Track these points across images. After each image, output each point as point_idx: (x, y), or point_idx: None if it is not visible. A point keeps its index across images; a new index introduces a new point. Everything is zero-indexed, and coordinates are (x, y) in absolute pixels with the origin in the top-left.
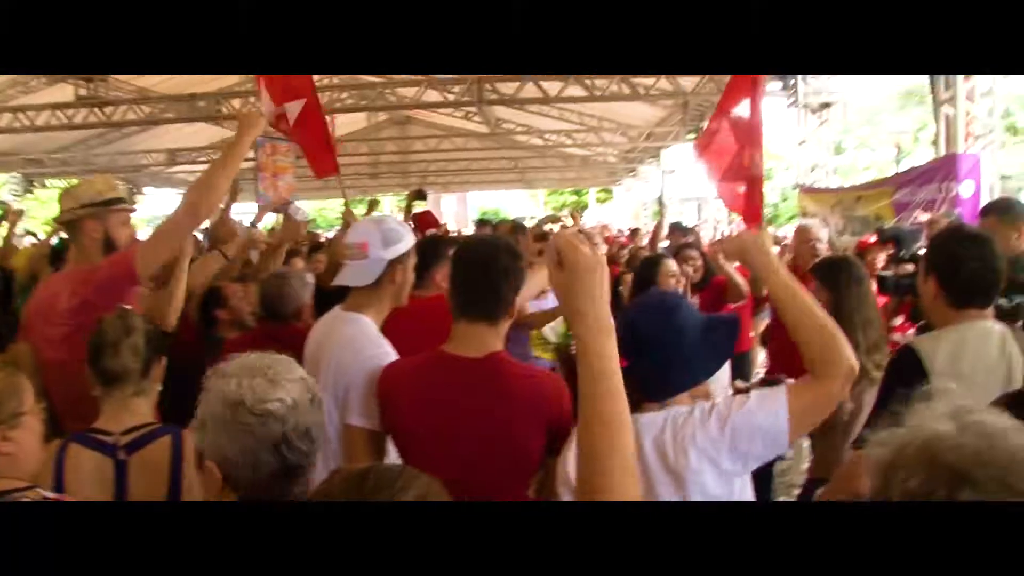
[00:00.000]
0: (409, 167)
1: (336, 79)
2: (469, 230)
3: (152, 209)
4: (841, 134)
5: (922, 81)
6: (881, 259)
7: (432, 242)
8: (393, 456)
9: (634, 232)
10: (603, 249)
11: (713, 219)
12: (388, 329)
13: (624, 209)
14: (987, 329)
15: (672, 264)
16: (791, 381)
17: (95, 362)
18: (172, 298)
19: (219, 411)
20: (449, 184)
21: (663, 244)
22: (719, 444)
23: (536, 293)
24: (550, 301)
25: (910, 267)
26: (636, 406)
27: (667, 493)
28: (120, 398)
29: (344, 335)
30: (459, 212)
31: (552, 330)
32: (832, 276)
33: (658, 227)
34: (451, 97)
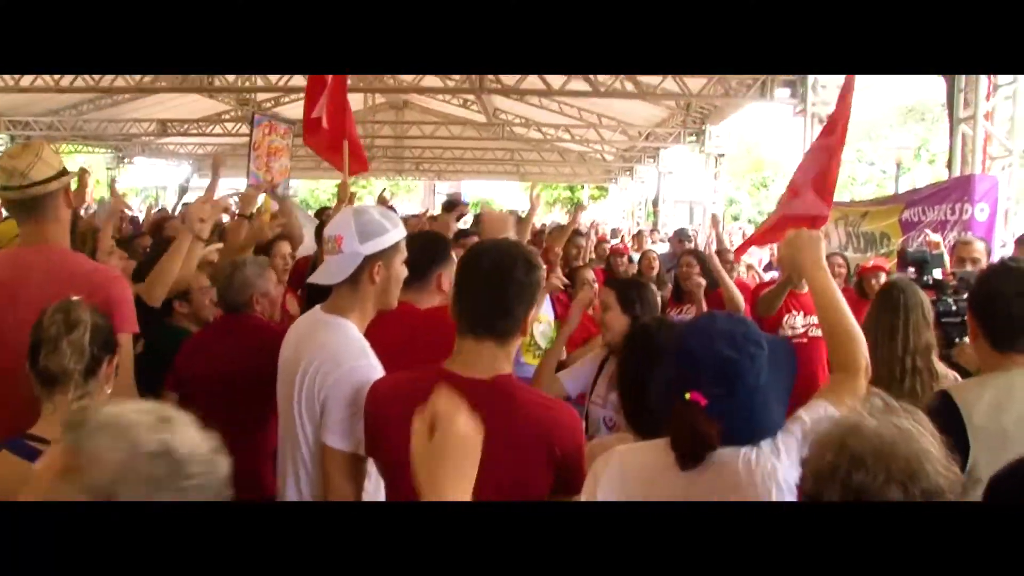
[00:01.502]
0: (403, 152)
1: None
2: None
3: (142, 179)
4: None
5: (923, 98)
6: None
7: (435, 239)
8: (374, 481)
9: (637, 236)
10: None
11: (705, 223)
12: (373, 336)
13: (617, 208)
14: None
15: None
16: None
17: (33, 361)
18: (162, 274)
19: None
20: (443, 172)
21: (663, 249)
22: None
23: None
24: (544, 308)
25: (931, 294)
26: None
27: None
28: (62, 402)
29: (323, 341)
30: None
31: (543, 335)
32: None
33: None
34: (451, 84)
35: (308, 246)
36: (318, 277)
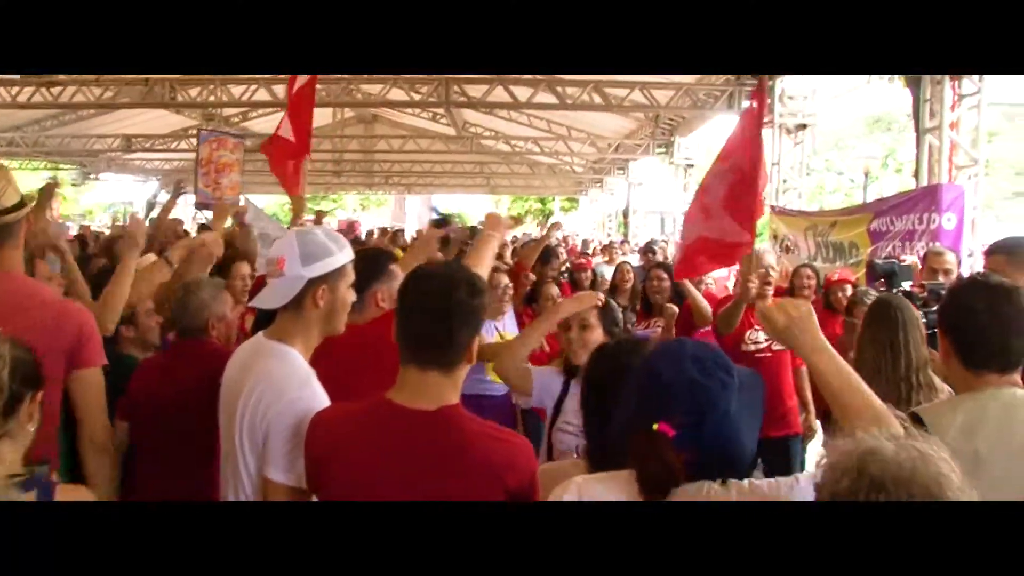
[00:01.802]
0: (373, 166)
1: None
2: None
3: (110, 195)
4: (809, 155)
5: (889, 108)
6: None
7: (372, 256)
8: None
9: (607, 248)
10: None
11: (676, 234)
12: (318, 362)
13: (588, 219)
14: (1015, 399)
15: None
16: None
17: None
18: (112, 299)
19: None
20: (413, 186)
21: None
22: None
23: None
24: (508, 323)
25: None
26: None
27: None
28: None
29: (265, 370)
30: (423, 214)
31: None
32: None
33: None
34: (417, 97)
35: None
36: (259, 301)
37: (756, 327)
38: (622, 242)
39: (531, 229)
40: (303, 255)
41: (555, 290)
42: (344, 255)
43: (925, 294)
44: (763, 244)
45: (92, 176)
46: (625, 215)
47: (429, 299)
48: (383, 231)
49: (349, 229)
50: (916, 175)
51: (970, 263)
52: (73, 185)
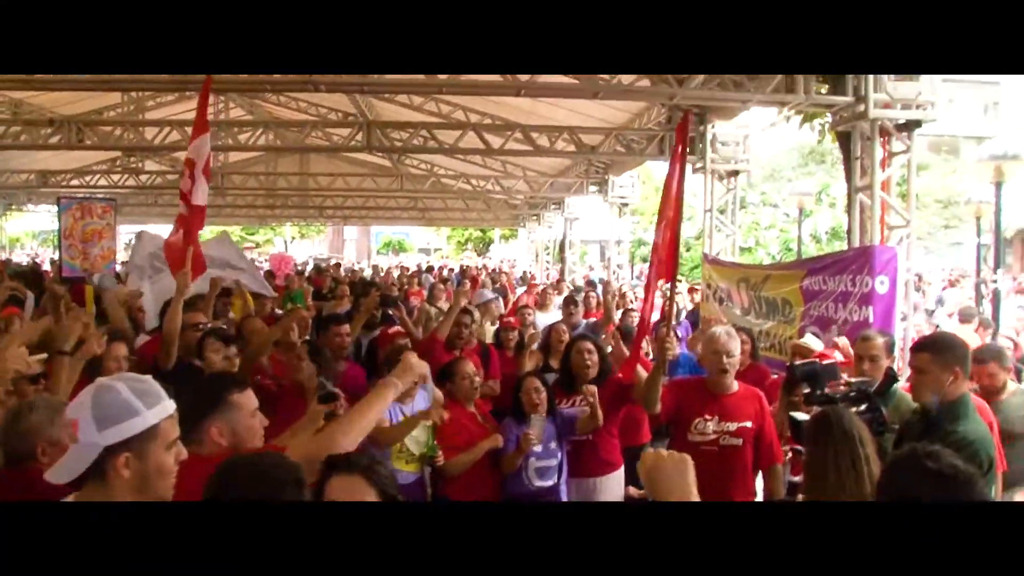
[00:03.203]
0: (308, 199)
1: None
2: (373, 261)
3: (38, 223)
4: (744, 189)
5: (826, 143)
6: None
7: (207, 386)
8: None
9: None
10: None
11: (615, 264)
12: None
13: (527, 249)
14: None
15: None
16: None
17: None
18: None
19: None
20: (349, 217)
21: (555, 316)
22: None
23: (377, 418)
24: (419, 402)
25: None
26: None
27: None
28: None
29: None
30: (361, 243)
31: (415, 440)
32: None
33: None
34: (338, 140)
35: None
36: (51, 475)
37: (706, 416)
38: (558, 280)
39: (470, 256)
40: (98, 418)
41: (470, 367)
42: (155, 413)
43: (853, 393)
44: (721, 328)
45: (13, 207)
46: (561, 249)
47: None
48: (298, 275)
49: (278, 266)
50: (848, 233)
51: (903, 327)
52: None
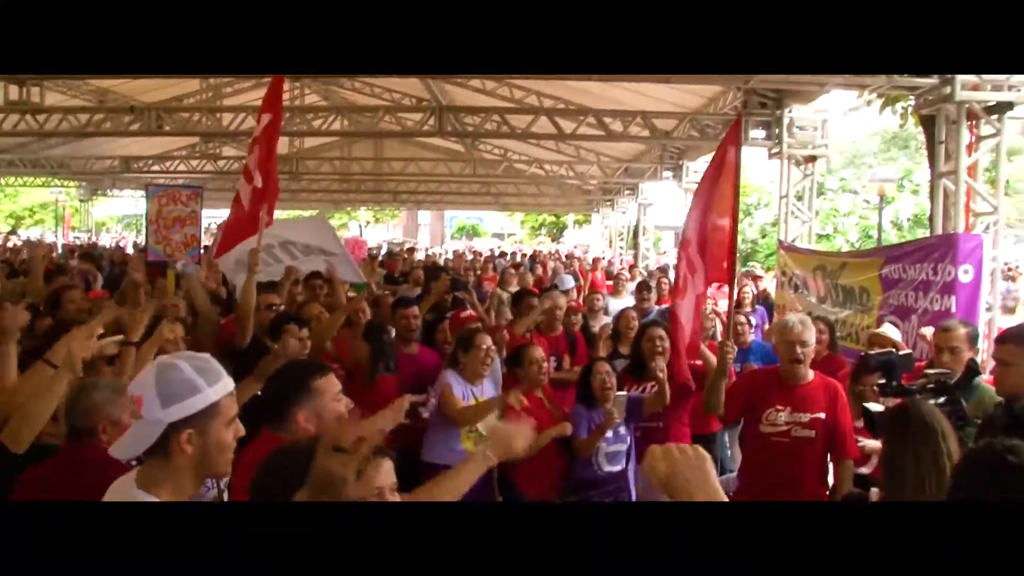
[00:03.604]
0: (382, 184)
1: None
2: (448, 245)
3: (121, 207)
4: (823, 175)
5: (907, 126)
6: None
7: (291, 372)
8: None
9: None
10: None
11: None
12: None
13: (600, 234)
14: None
15: None
16: None
17: None
18: (30, 417)
19: None
20: (423, 202)
21: (628, 302)
22: None
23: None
24: (487, 389)
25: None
26: None
27: None
28: None
29: None
30: (435, 227)
31: (486, 425)
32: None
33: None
34: (411, 125)
35: None
36: (115, 451)
37: (778, 407)
38: (631, 266)
39: (544, 241)
40: (162, 395)
41: (539, 352)
42: (216, 390)
43: (931, 385)
44: (795, 317)
45: (99, 191)
46: (635, 235)
47: None
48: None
49: (352, 250)
50: (931, 220)
51: (988, 317)
52: (81, 201)
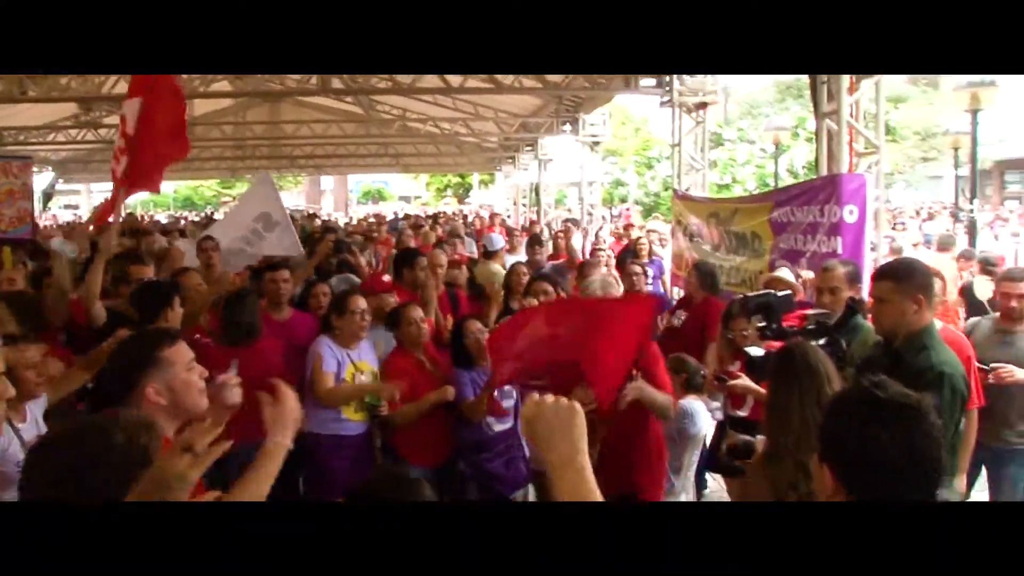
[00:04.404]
0: (278, 149)
1: None
2: (354, 211)
3: None
4: (720, 126)
5: (801, 75)
6: (749, 331)
7: (137, 341)
8: None
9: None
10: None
11: (588, 204)
12: None
13: (504, 193)
14: None
15: None
16: None
17: None
18: None
19: None
20: (322, 167)
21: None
22: None
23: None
24: (364, 352)
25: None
26: None
27: None
28: None
29: None
30: (339, 193)
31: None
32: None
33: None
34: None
35: None
36: None
37: None
38: (531, 222)
39: (451, 203)
40: None
41: (418, 312)
42: None
43: (811, 326)
44: (597, 279)
45: None
46: (537, 192)
47: None
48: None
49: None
50: (816, 163)
51: (873, 257)
52: None
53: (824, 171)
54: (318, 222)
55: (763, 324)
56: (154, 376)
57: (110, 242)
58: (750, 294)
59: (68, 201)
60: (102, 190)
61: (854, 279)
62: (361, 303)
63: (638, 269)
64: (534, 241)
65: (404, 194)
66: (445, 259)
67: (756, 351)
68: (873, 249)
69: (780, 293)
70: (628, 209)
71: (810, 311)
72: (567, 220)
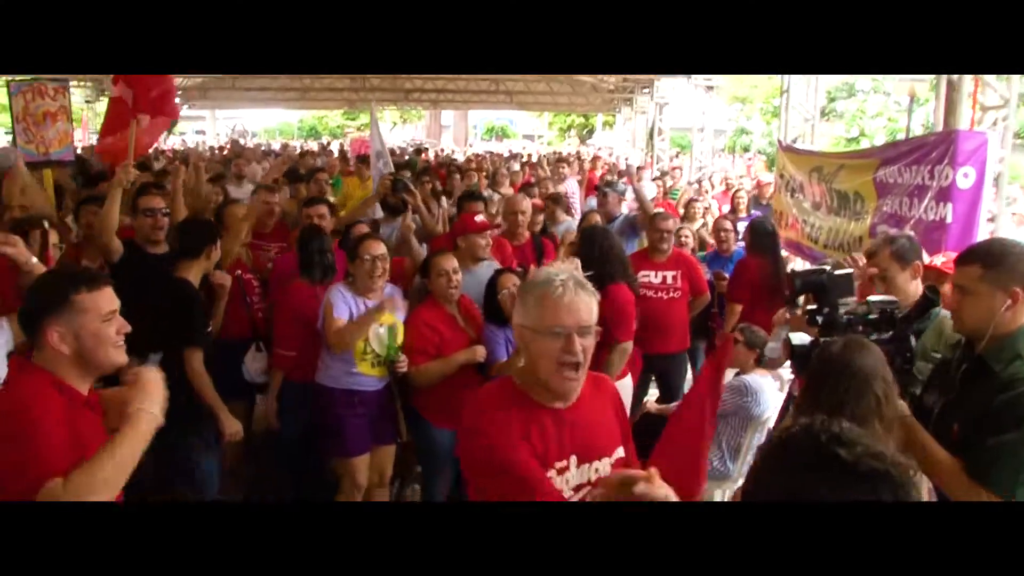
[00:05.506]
0: (394, 81)
1: None
2: (475, 147)
3: None
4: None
5: None
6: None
7: (50, 280)
8: None
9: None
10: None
11: (699, 151)
12: None
13: (624, 136)
14: None
15: None
16: None
17: None
18: None
19: None
20: (438, 101)
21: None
22: None
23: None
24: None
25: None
26: None
27: None
28: None
29: None
30: (459, 129)
31: (379, 341)
32: None
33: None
34: None
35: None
36: None
37: None
38: (639, 168)
39: (573, 143)
40: None
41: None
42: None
43: (873, 316)
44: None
45: None
46: (651, 135)
47: None
48: None
49: (357, 150)
50: (934, 113)
51: (991, 229)
52: None
53: (942, 126)
54: (424, 156)
55: (813, 308)
56: (59, 321)
57: (127, 175)
58: (799, 271)
59: (196, 127)
60: (227, 116)
61: (905, 255)
62: (374, 248)
63: (728, 225)
64: (604, 188)
65: (528, 133)
66: (528, 204)
67: (801, 338)
68: (991, 220)
69: (838, 272)
70: (752, 158)
71: (874, 296)
72: (639, 167)
